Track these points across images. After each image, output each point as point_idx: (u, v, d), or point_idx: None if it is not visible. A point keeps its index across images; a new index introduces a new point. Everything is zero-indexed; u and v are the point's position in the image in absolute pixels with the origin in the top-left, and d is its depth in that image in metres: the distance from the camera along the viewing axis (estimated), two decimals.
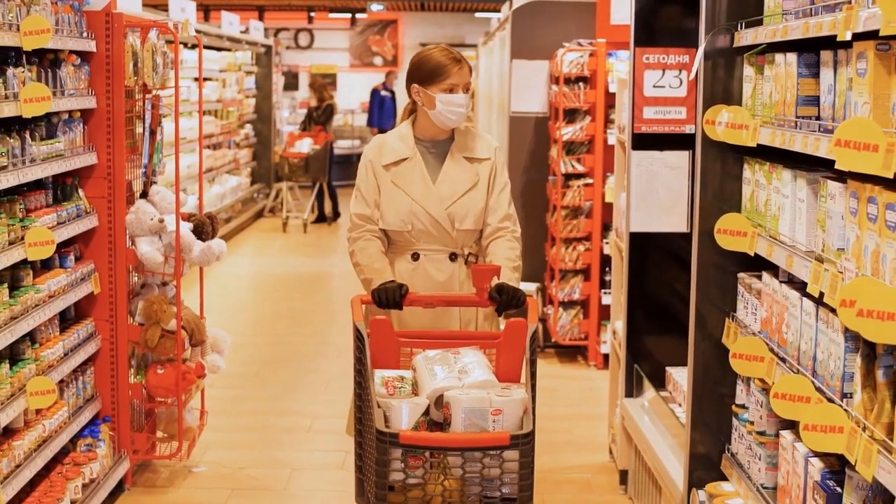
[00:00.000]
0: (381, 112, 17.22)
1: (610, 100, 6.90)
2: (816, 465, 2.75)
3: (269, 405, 6.29)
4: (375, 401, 3.06)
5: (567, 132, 7.08)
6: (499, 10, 13.98)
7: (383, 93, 17.27)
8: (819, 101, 2.81)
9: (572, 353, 7.34)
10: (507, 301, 3.49)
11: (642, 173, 4.64)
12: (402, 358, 3.40)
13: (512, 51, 7.62)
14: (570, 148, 7.14)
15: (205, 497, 4.84)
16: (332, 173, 13.97)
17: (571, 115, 7.17)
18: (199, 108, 5.20)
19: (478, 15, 19.74)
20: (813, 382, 2.72)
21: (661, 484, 4.10)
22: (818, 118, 2.81)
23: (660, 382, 4.53)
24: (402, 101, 18.16)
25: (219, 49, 12.77)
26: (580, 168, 7.09)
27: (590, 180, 7.09)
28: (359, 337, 3.24)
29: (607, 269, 6.70)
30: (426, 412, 3.10)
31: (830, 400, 2.59)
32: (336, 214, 13.98)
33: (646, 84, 4.56)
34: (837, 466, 2.70)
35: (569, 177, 7.16)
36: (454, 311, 3.75)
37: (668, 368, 4.46)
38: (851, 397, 2.51)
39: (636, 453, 4.65)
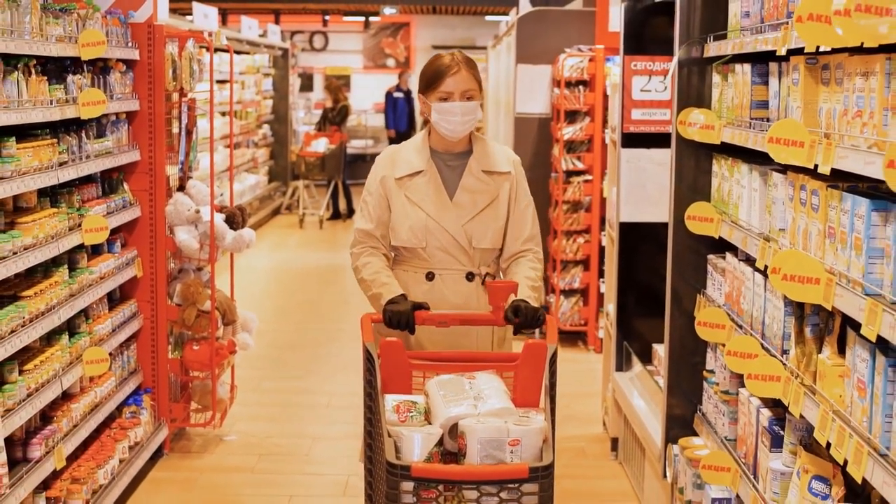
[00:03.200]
0: (395, 113, 17.60)
1: (608, 102, 7.33)
2: (766, 413, 3.23)
3: (291, 384, 6.80)
4: (386, 430, 2.89)
5: (568, 132, 7.57)
6: (508, 14, 14.44)
7: (396, 94, 17.63)
8: (768, 104, 3.30)
9: (573, 338, 7.83)
10: (523, 322, 3.30)
11: (631, 169, 5.13)
12: (415, 380, 3.22)
13: (517, 56, 8.09)
14: (571, 147, 7.63)
15: (236, 462, 5.35)
16: (346, 172, 14.43)
17: (572, 117, 7.65)
18: (231, 111, 5.71)
19: (488, 18, 20.16)
20: (761, 343, 3.21)
21: (644, 445, 4.59)
22: (768, 120, 3.29)
23: (647, 358, 5.01)
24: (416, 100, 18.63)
25: (238, 52, 13.24)
26: (580, 165, 7.58)
27: (589, 177, 7.57)
28: (369, 359, 3.07)
29: (605, 259, 7.16)
30: (440, 442, 2.93)
31: (773, 356, 3.08)
32: (350, 211, 14.41)
33: (634, 88, 5.06)
34: (782, 415, 3.18)
35: (569, 174, 7.65)
36: (485, 328, 3.55)
37: (654, 345, 4.93)
38: (788, 352, 3.00)
39: (625, 422, 5.13)
